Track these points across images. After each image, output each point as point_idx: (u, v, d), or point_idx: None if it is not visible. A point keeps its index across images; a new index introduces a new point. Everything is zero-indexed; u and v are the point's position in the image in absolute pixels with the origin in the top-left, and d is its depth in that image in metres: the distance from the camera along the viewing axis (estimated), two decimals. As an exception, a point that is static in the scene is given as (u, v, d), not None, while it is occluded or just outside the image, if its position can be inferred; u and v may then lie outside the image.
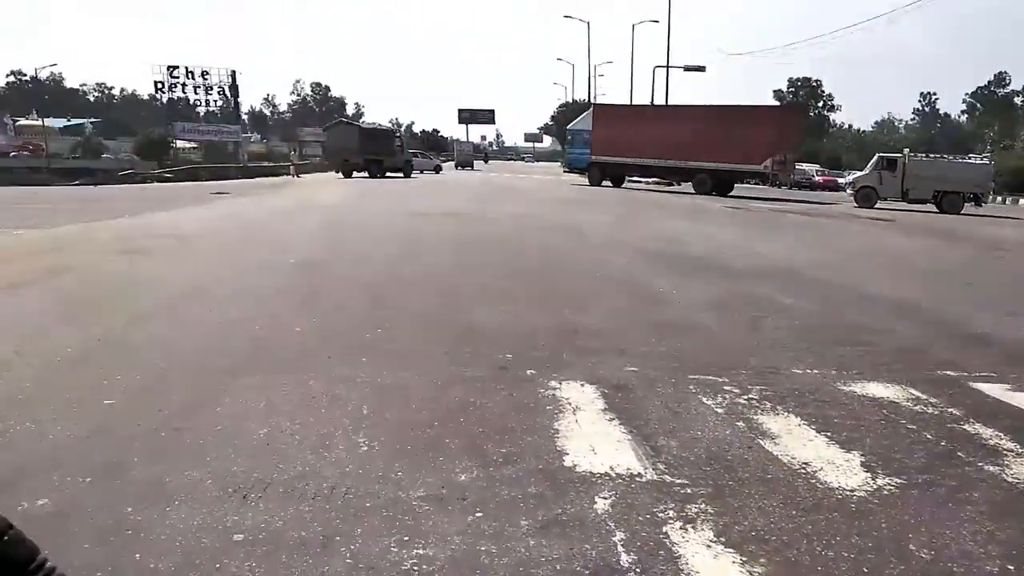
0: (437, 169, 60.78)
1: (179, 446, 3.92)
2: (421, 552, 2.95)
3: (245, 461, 3.75)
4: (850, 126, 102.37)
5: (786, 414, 4.78)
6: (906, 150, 34.53)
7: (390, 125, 55.61)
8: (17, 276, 8.79)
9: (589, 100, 76.46)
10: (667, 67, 53.59)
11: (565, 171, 62.33)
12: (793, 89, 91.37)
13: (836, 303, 8.83)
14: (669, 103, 50.89)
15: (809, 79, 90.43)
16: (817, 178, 57.02)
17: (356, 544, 2.99)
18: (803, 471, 3.89)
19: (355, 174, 47.27)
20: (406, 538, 3.05)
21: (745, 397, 5.10)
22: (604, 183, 41.92)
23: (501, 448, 4.06)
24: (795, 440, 4.33)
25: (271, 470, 3.66)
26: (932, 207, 31.37)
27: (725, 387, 5.30)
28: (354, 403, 4.69)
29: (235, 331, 6.45)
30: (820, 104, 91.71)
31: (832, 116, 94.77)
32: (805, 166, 58.91)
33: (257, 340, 6.18)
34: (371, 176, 46.86)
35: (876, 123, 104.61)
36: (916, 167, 31.31)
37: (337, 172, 48.55)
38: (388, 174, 47.71)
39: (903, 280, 11.20)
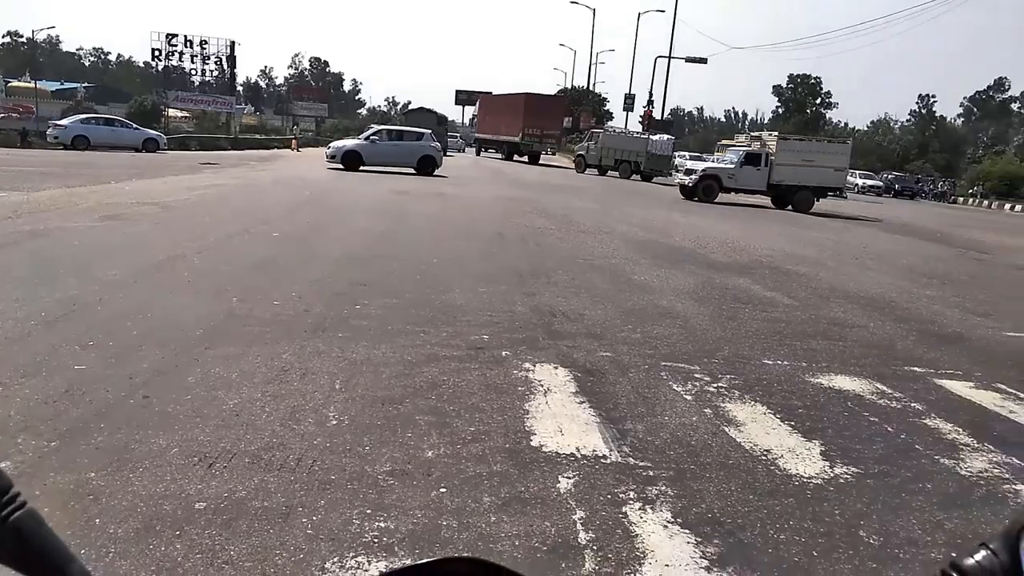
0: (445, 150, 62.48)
1: (147, 414, 3.93)
2: (382, 525, 2.99)
3: (213, 431, 3.77)
4: (845, 124, 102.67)
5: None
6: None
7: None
8: (-4, 239, 8.73)
9: (588, 87, 76.12)
10: (668, 58, 53.46)
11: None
12: (792, 85, 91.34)
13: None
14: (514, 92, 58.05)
15: (808, 76, 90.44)
16: None
17: (318, 516, 3.03)
18: (764, 458, 3.96)
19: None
20: (368, 511, 3.09)
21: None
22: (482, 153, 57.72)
23: (470, 427, 4.10)
24: (759, 428, 4.41)
25: (238, 440, 3.68)
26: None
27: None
28: (326, 377, 4.72)
29: (211, 301, 6.44)
30: (818, 101, 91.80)
31: (828, 114, 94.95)
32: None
33: (233, 311, 6.18)
34: None
35: (872, 123, 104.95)
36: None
37: None
38: None
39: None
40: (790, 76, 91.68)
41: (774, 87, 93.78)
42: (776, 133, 30.37)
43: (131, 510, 2.94)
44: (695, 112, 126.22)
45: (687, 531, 3.10)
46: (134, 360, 4.74)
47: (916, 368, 6.07)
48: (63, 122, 33.79)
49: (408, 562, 0.86)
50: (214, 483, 3.23)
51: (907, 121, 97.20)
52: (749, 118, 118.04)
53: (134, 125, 35.87)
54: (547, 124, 50.37)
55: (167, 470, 3.31)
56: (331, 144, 29.44)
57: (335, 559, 2.73)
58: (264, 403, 4.21)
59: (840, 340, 6.83)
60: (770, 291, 9.08)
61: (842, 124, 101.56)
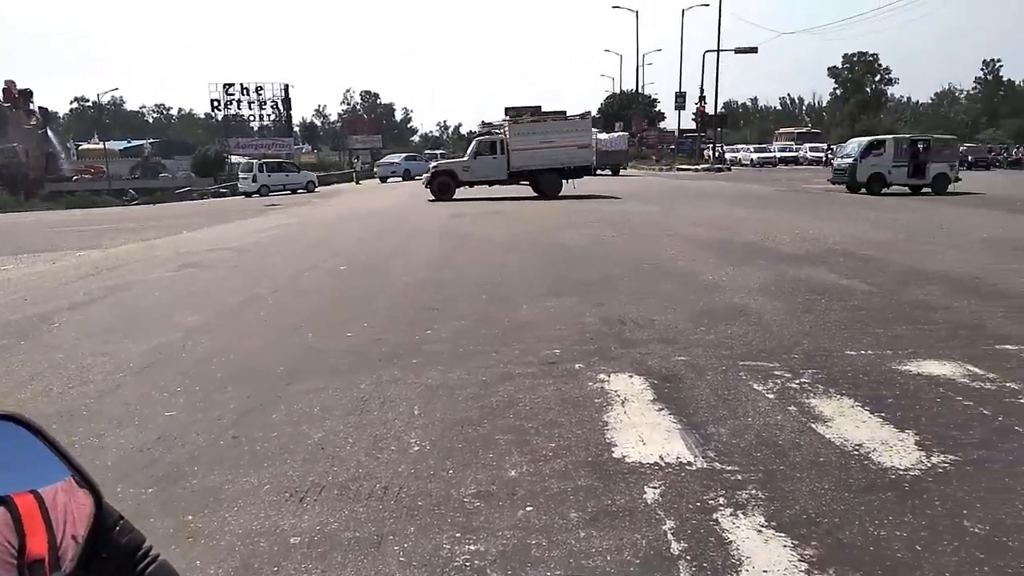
0: None
1: (237, 453, 4.05)
2: (472, 548, 3.01)
3: (301, 465, 3.87)
4: (908, 99, 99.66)
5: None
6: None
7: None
8: (81, 295, 9.17)
9: (636, 90, 75.81)
10: (717, 51, 52.82)
11: None
12: (848, 65, 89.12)
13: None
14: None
15: (864, 53, 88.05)
16: None
17: (409, 543, 3.06)
18: (856, 453, 3.84)
19: None
20: (458, 535, 3.11)
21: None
22: None
23: (550, 443, 4.10)
24: (848, 422, 4.28)
25: (326, 473, 3.77)
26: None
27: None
28: (405, 404, 4.78)
29: (288, 338, 6.62)
30: (877, 79, 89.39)
31: (890, 90, 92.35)
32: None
33: (310, 346, 6.34)
34: None
35: (936, 95, 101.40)
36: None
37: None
38: None
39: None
40: (845, 56, 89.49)
41: (829, 69, 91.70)
42: (508, 118, 28.12)
43: (230, 550, 3.03)
44: (750, 103, 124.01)
45: (783, 534, 3.02)
46: (221, 402, 4.91)
47: (1008, 346, 5.79)
48: None
49: None
50: (306, 517, 3.30)
51: (973, 89, 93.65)
52: (806, 103, 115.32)
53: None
54: None
55: (261, 507, 3.40)
56: None
57: (429, 585, 2.75)
58: (347, 434, 4.29)
59: (925, 324, 6.57)
60: (846, 279, 8.82)
61: (905, 99, 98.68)
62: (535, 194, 25.53)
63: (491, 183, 25.67)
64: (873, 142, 26.33)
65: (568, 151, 25.53)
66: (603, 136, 47.73)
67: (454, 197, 25.04)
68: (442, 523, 3.22)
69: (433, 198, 25.26)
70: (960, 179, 25.26)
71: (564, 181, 25.66)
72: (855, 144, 27.44)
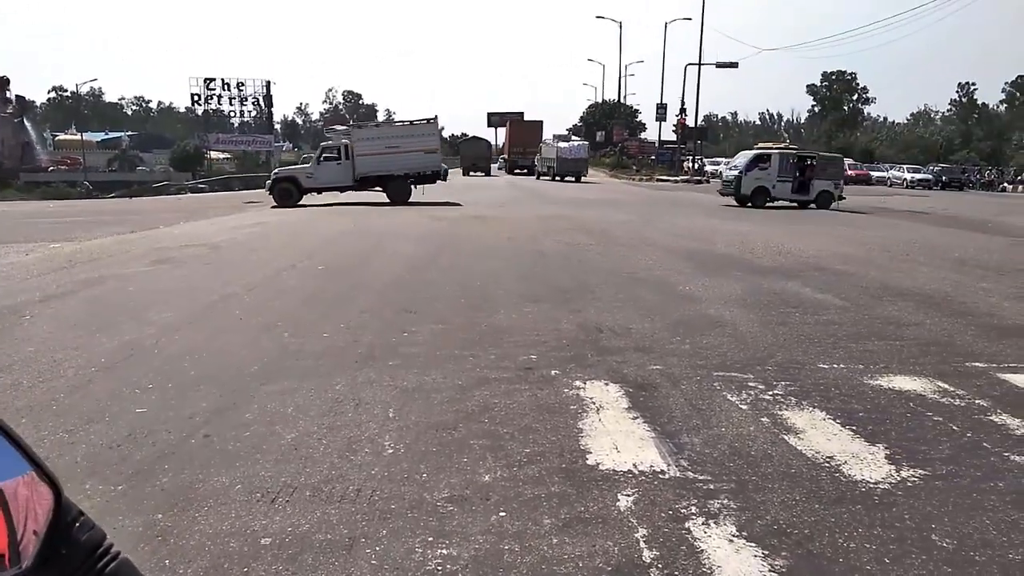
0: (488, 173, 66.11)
1: (208, 453, 4.01)
2: (445, 552, 3.00)
3: (273, 466, 3.83)
4: (885, 119, 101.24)
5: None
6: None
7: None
8: (54, 288, 9.02)
9: (619, 100, 76.39)
10: (699, 65, 53.45)
11: None
12: (827, 83, 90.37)
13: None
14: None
15: (843, 72, 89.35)
16: (849, 172, 56.51)
17: (381, 546, 3.05)
18: (827, 465, 3.88)
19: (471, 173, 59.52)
20: (430, 539, 3.10)
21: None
22: None
23: (525, 448, 4.10)
24: (820, 435, 4.33)
25: (298, 474, 3.73)
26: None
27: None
28: (380, 407, 4.76)
29: (263, 337, 6.56)
30: (855, 97, 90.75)
31: (867, 109, 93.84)
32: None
33: (285, 346, 6.28)
34: (485, 175, 59.56)
35: (912, 115, 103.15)
36: None
37: (464, 172, 59.80)
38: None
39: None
40: (824, 74, 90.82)
41: (808, 86, 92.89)
42: (353, 123, 27.82)
43: (199, 549, 3.00)
44: (729, 117, 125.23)
45: (753, 544, 3.05)
46: (193, 400, 4.85)
47: (978, 363, 5.90)
48: None
49: None
50: (277, 518, 3.27)
51: (948, 111, 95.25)
52: (784, 119, 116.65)
53: None
54: (528, 142, 59.45)
55: (231, 507, 3.37)
56: None
57: (400, 589, 2.74)
58: (321, 435, 4.26)
59: (897, 339, 6.67)
60: (820, 293, 8.93)
61: (881, 118, 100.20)
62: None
63: (340, 189, 24.98)
64: (760, 155, 26.68)
65: (415, 156, 25.11)
66: (564, 144, 49.19)
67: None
68: (415, 527, 3.21)
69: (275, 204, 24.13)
70: (844, 198, 25.86)
71: (413, 187, 25.31)
72: (743, 156, 27.77)
